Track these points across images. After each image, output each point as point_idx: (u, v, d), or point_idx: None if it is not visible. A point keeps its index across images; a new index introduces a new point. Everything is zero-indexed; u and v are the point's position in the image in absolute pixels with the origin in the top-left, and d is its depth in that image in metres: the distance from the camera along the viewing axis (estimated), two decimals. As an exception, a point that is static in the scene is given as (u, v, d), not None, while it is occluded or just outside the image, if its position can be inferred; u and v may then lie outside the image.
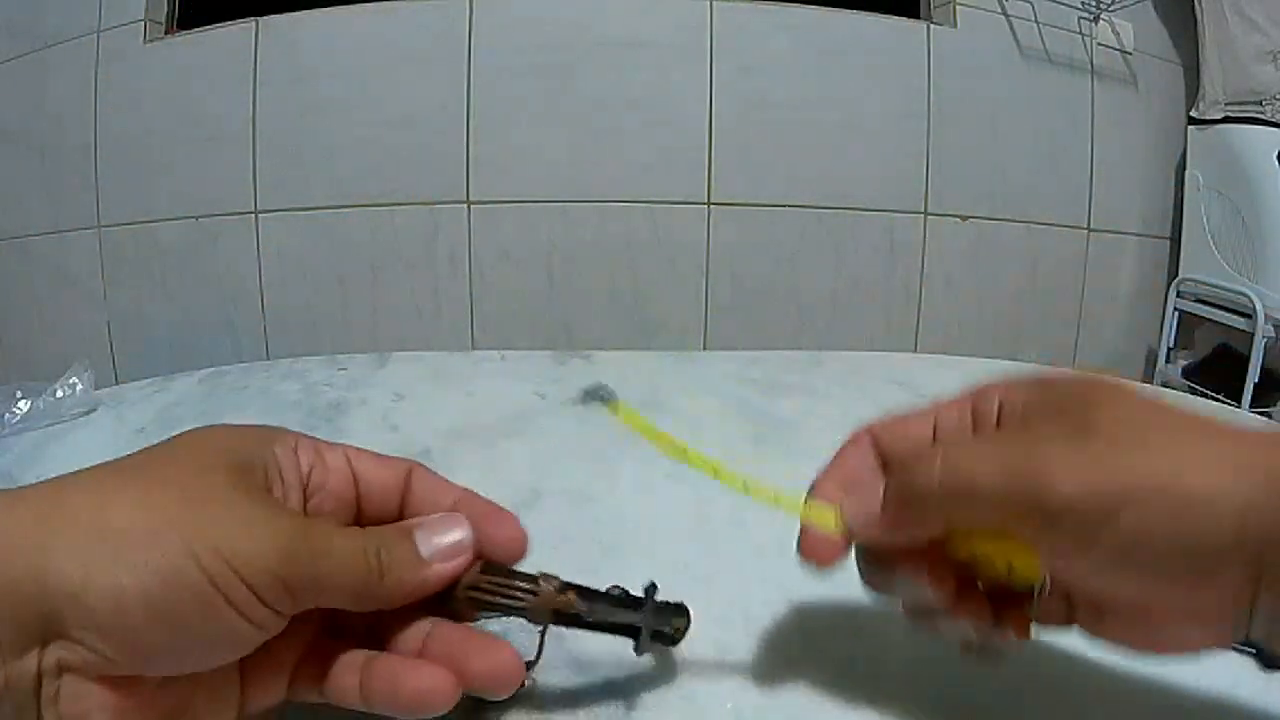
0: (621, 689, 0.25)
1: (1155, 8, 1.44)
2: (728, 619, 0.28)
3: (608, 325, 1.31)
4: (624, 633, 0.23)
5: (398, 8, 1.23)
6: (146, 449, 0.21)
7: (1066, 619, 0.22)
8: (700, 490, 0.37)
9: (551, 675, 0.25)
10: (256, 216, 1.28)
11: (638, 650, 0.23)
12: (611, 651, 0.25)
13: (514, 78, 1.23)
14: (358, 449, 0.24)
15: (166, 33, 1.30)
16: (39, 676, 0.17)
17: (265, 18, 1.24)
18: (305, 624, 0.21)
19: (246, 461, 0.22)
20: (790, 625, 0.28)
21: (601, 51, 1.24)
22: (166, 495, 0.19)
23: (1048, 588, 0.22)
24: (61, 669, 0.18)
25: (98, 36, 1.28)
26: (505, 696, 0.22)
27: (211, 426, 0.23)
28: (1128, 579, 0.20)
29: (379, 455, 0.25)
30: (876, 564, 0.23)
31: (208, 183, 1.27)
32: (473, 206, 1.28)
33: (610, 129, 1.25)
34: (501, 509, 0.24)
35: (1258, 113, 1.36)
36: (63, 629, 0.17)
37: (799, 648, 0.27)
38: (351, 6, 1.23)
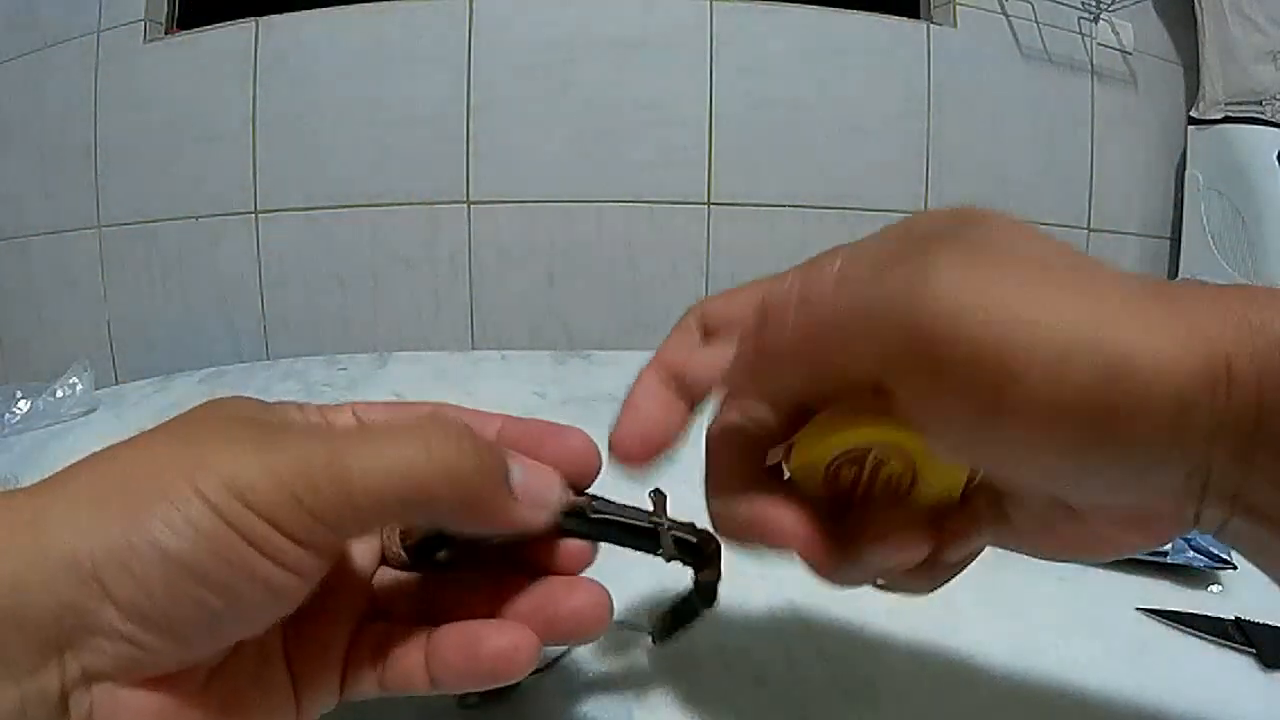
0: (623, 687, 0.25)
1: (1155, 8, 1.44)
2: (728, 618, 0.28)
3: (608, 325, 1.31)
4: (643, 539, 0.21)
5: (398, 8, 1.23)
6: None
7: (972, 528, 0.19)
8: (701, 490, 0.37)
9: (554, 676, 0.25)
10: (256, 216, 1.28)
11: (665, 556, 0.22)
12: (612, 650, 0.25)
13: (514, 78, 1.23)
14: (367, 404, 0.22)
15: (166, 33, 1.30)
16: (64, 695, 0.14)
17: (265, 18, 1.23)
18: (348, 608, 0.19)
19: (252, 414, 0.19)
20: (791, 625, 0.28)
21: (601, 51, 1.24)
22: (163, 441, 0.17)
23: (976, 478, 0.19)
24: (89, 678, 0.15)
25: (98, 36, 1.27)
26: (594, 638, 0.20)
27: (215, 398, 0.20)
28: (1038, 460, 0.15)
29: (393, 404, 0.22)
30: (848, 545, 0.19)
31: (208, 183, 1.27)
32: (473, 206, 1.28)
33: (610, 129, 1.25)
34: (560, 425, 0.21)
35: (1258, 113, 1.36)
36: (80, 619, 0.14)
37: (800, 647, 0.27)
38: (351, 7, 1.23)
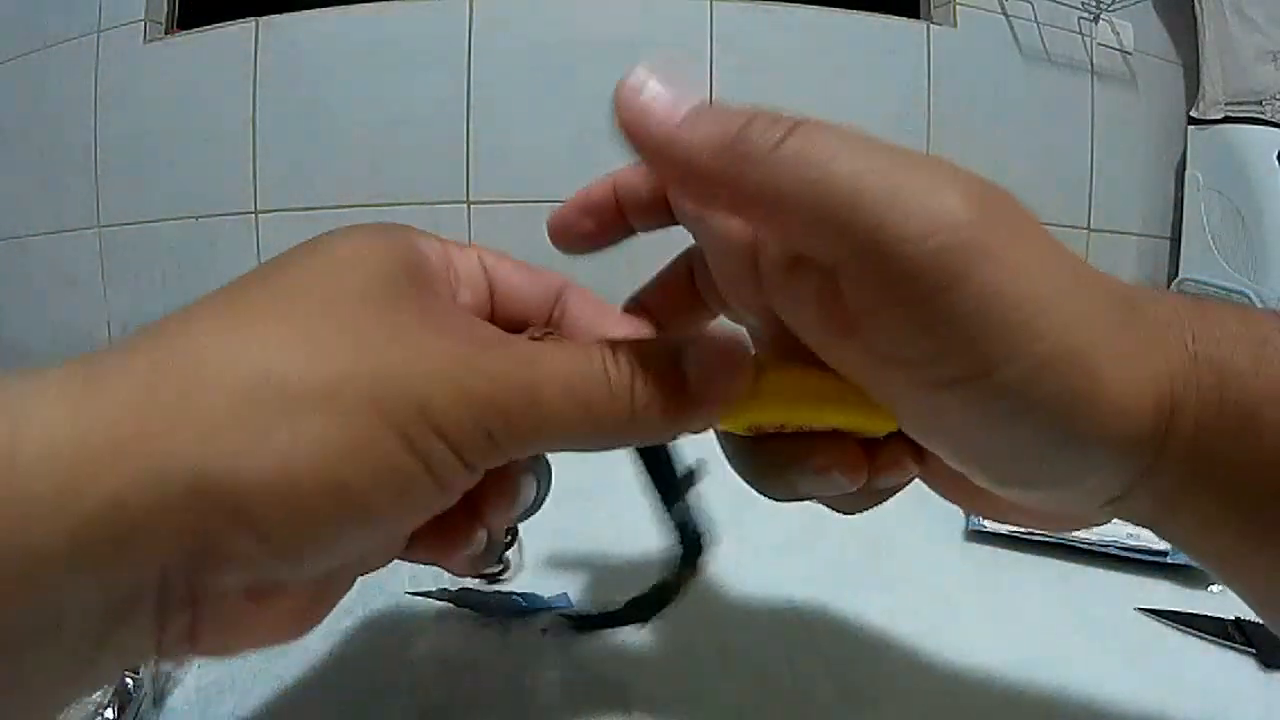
0: (623, 687, 0.25)
1: (1155, 8, 1.44)
2: (728, 619, 0.28)
3: (608, 325, 1.31)
4: (672, 484, 0.23)
5: (398, 8, 1.23)
6: (267, 265, 0.16)
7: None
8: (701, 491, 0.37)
9: (550, 675, 0.25)
10: (256, 216, 1.28)
11: (674, 518, 0.23)
12: (613, 650, 0.25)
13: (514, 78, 1.24)
14: (494, 253, 0.19)
15: (166, 33, 1.30)
16: (161, 614, 0.13)
17: (265, 18, 1.24)
18: None
19: (404, 267, 0.16)
20: (792, 625, 0.28)
21: (601, 52, 1.24)
22: (329, 330, 0.14)
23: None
24: (198, 599, 0.13)
25: (98, 36, 1.28)
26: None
27: (339, 232, 0.17)
28: (972, 436, 0.15)
29: (522, 264, 0.19)
30: (770, 459, 0.18)
31: (208, 183, 1.27)
32: (473, 206, 1.28)
33: (610, 129, 1.25)
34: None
35: (1258, 113, 1.36)
36: (202, 556, 0.12)
37: (800, 648, 0.27)
38: (351, 6, 1.23)
